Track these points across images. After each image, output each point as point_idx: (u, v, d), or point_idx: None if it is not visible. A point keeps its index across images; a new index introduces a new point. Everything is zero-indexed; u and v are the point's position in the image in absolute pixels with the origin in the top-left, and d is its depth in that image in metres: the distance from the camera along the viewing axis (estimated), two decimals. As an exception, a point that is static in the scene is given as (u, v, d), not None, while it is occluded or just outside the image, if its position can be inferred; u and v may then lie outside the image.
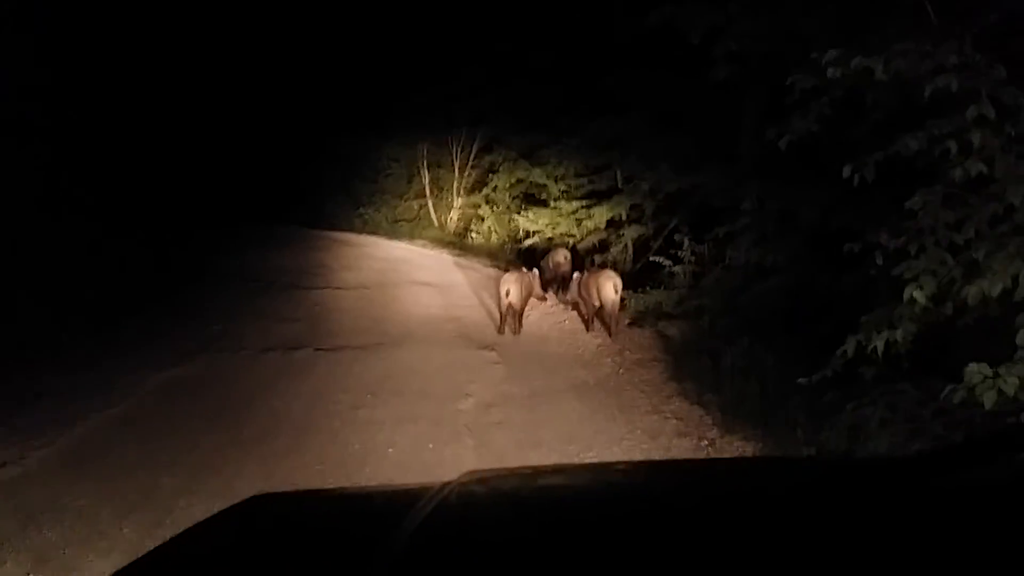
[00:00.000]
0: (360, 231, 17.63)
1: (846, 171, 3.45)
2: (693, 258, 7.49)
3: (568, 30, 10.58)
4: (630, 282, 8.46)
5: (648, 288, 7.74)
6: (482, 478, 1.36)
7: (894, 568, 0.80)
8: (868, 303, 4.62)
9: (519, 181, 13.61)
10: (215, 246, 13.73)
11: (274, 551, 1.06)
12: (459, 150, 16.38)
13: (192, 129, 19.34)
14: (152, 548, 1.07)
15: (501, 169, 14.48)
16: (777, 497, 1.10)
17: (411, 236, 16.66)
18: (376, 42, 16.01)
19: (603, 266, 8.47)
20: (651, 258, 7.70)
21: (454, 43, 14.35)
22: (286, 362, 6.40)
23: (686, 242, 7.59)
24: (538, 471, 1.71)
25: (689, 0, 5.31)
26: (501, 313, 7.45)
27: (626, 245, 9.71)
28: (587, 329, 7.56)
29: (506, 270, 8.42)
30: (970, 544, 0.82)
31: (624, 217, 9.85)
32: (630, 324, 7.68)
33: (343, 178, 19.27)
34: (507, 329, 7.38)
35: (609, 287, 7.16)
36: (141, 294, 8.88)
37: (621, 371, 6.23)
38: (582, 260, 9.66)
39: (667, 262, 7.65)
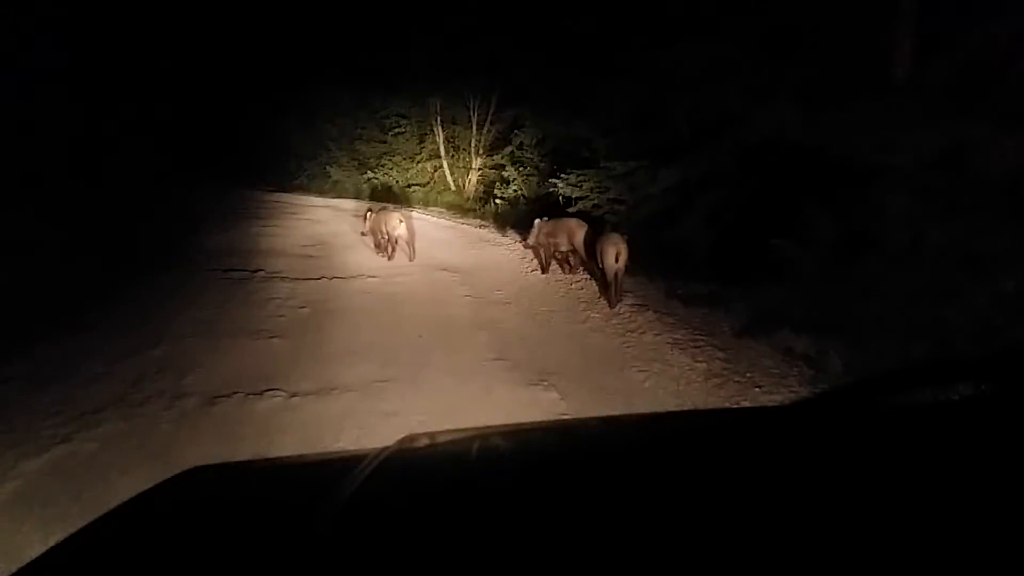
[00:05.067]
0: (367, 198, 15.46)
1: None
2: (830, 238, 5.15)
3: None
4: (714, 271, 6.24)
5: (758, 283, 5.47)
6: (425, 443, 1.30)
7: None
8: None
9: (548, 136, 11.27)
10: (185, 217, 11.53)
11: (211, 520, 1.02)
12: (476, 103, 13.99)
13: (173, 81, 17.24)
14: (88, 522, 0.98)
15: (528, 123, 12.13)
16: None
17: (425, 203, 14.45)
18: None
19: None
20: (771, 240, 5.34)
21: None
22: (242, 424, 4.20)
23: (815, 216, 5.24)
24: (480, 433, 1.35)
25: None
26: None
27: (698, 220, 7.38)
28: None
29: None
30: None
31: (698, 180, 7.52)
32: (738, 335, 5.47)
33: (347, 139, 17.03)
34: (568, 339, 5.24)
35: (611, 254, 6.39)
36: (57, 301, 6.75)
37: (758, 428, 4.05)
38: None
39: (786, 243, 5.33)
